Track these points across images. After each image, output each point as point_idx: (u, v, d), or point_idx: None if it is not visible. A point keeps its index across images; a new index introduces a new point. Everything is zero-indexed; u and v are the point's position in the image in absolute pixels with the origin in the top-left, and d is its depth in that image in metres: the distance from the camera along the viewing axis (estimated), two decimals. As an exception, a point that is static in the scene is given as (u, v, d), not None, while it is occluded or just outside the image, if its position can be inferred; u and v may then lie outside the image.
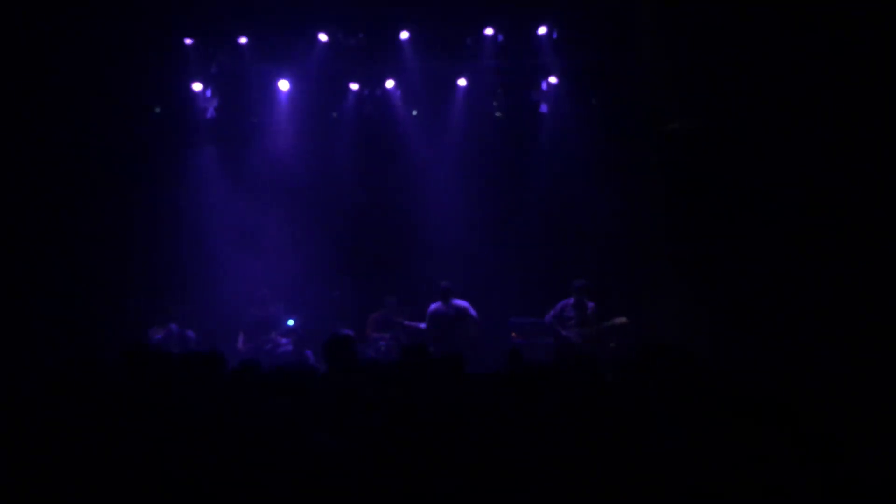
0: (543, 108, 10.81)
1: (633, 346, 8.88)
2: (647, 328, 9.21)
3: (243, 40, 10.52)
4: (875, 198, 8.09)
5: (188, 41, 10.48)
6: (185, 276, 10.35)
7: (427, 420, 3.72)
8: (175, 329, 9.30)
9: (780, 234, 8.43)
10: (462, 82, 10.86)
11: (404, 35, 10.47)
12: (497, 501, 3.26)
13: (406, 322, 9.77)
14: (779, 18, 8.37)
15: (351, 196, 11.23)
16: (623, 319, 9.28)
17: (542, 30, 10.42)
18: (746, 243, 8.66)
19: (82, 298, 9.70)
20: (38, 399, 3.96)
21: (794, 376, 4.15)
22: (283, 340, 9.61)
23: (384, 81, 10.89)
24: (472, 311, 9.54)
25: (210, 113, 10.76)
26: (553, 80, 10.65)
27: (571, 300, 9.47)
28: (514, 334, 9.88)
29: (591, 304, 9.43)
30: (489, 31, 10.46)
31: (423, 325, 9.62)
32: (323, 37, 10.45)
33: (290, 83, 10.83)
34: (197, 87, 10.69)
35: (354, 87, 10.97)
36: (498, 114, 11.12)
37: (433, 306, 9.52)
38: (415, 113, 11.10)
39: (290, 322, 9.95)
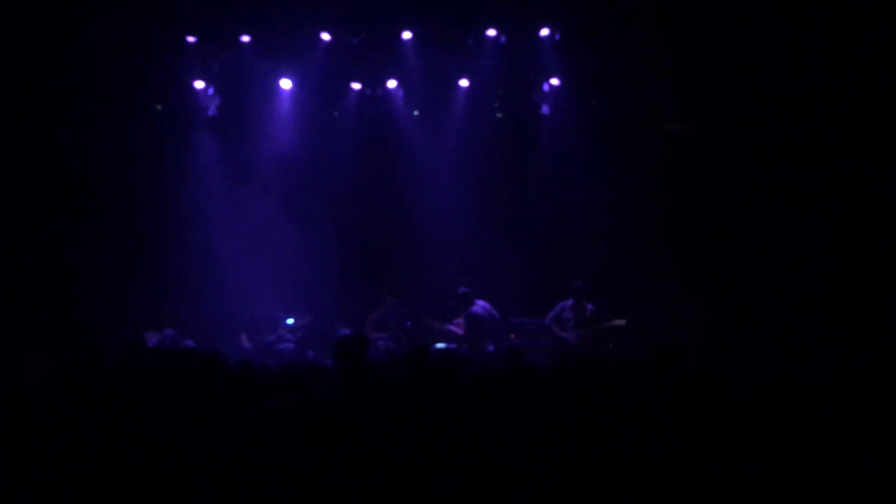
0: (545, 109, 10.83)
1: (633, 348, 8.91)
2: (645, 330, 9.22)
3: (245, 38, 10.52)
4: (872, 195, 8.13)
5: (190, 39, 10.48)
6: (186, 275, 10.33)
7: (436, 421, 3.73)
8: (170, 334, 9.29)
9: (778, 233, 8.46)
10: (464, 83, 10.87)
11: (407, 35, 10.48)
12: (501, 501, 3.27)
13: (429, 322, 9.69)
14: (777, 19, 8.40)
15: (351, 196, 11.22)
16: (622, 321, 9.30)
17: (545, 31, 10.43)
18: (746, 244, 8.68)
19: (81, 298, 9.68)
20: (37, 399, 3.96)
21: (794, 376, 4.17)
22: (288, 336, 9.62)
23: (386, 81, 10.90)
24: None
25: (212, 111, 10.78)
26: (555, 81, 10.67)
27: (570, 302, 9.49)
28: (512, 335, 9.89)
29: (589, 306, 9.45)
30: (491, 33, 10.47)
31: (452, 328, 9.55)
32: (325, 36, 10.46)
33: (292, 82, 10.83)
34: (199, 84, 10.69)
35: (356, 86, 10.99)
36: (499, 115, 11.15)
37: (476, 309, 9.45)
38: (416, 113, 11.13)
39: (290, 321, 9.96)
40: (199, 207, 10.58)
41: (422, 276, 10.67)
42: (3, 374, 6.23)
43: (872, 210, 8.02)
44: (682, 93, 9.19)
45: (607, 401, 4.22)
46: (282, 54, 10.59)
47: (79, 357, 4.70)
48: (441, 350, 9.20)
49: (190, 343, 9.35)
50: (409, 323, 9.92)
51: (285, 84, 10.84)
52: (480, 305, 9.48)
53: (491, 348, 9.29)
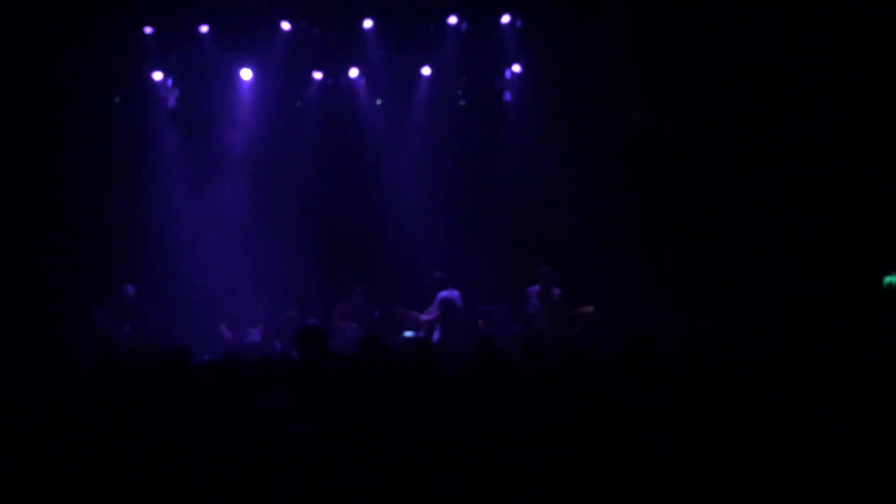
0: (507, 96, 10.86)
1: (599, 334, 9.01)
2: (613, 316, 9.33)
3: (204, 29, 10.40)
4: (843, 184, 8.32)
5: (148, 30, 10.33)
6: (150, 267, 10.20)
7: (403, 408, 3.76)
8: (132, 292, 9.23)
9: (744, 220, 8.62)
10: (426, 71, 10.86)
11: (368, 24, 10.43)
12: (470, 484, 3.31)
13: (400, 310, 9.60)
14: (745, 12, 8.52)
15: (315, 186, 11.16)
16: (590, 309, 9.38)
17: (506, 18, 10.45)
18: (711, 230, 8.84)
19: (48, 297, 9.54)
20: (15, 401, 3.94)
21: (764, 360, 4.27)
22: (253, 331, 9.57)
23: (348, 70, 10.85)
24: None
25: (171, 103, 10.64)
26: (517, 68, 10.70)
27: (537, 287, 9.55)
28: (480, 321, 9.93)
29: (556, 291, 9.52)
30: (453, 20, 10.47)
31: (420, 315, 9.47)
32: (286, 25, 10.37)
33: (253, 72, 10.73)
34: (157, 76, 10.54)
35: (318, 75, 10.92)
36: (462, 102, 11.15)
37: (445, 294, 9.36)
38: (379, 102, 11.09)
39: (261, 311, 9.90)
40: (161, 200, 10.45)
41: (388, 265, 10.67)
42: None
43: (841, 196, 8.21)
44: (644, 83, 9.29)
45: (576, 389, 4.29)
46: (242, 45, 10.48)
47: (51, 356, 4.67)
48: (410, 339, 9.21)
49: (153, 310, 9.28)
50: (376, 312, 9.92)
51: (246, 74, 10.73)
52: (454, 293, 9.48)
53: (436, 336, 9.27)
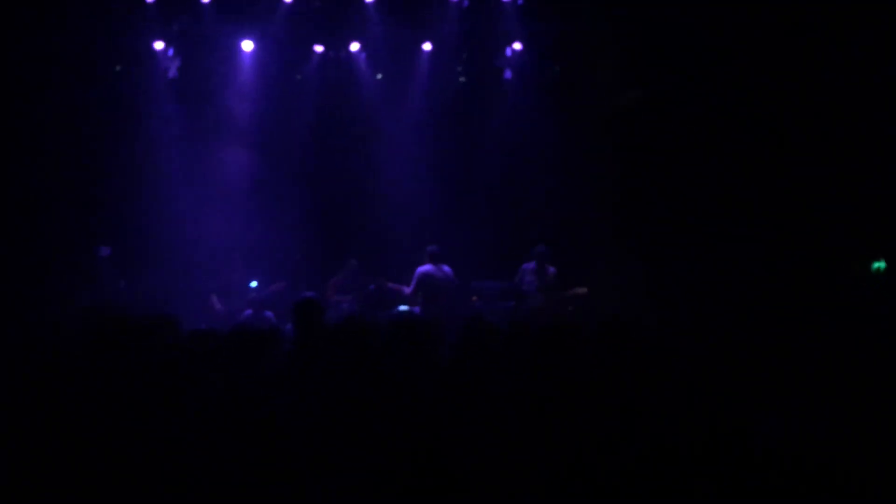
0: (507, 74, 10.89)
1: (589, 313, 9.10)
2: (602, 295, 9.41)
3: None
4: (833, 168, 8.37)
5: (149, 0, 10.33)
6: (145, 237, 10.27)
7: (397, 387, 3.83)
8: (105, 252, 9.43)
9: (730, 202, 8.69)
10: (427, 47, 10.86)
11: (370, -2, 10.44)
12: (456, 466, 3.36)
13: (390, 284, 9.62)
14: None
15: (314, 159, 11.21)
16: (583, 290, 9.46)
17: (508, -4, 10.45)
18: (700, 212, 8.90)
19: (41, 263, 9.61)
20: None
21: (740, 346, 4.35)
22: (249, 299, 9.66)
23: (349, 44, 10.85)
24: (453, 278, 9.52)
25: (172, 73, 10.65)
26: (517, 46, 10.70)
27: (532, 265, 9.63)
28: (474, 298, 10.02)
29: (551, 269, 9.60)
30: (454, -4, 10.47)
31: (405, 289, 9.42)
32: (287, -3, 10.37)
33: (254, 44, 10.74)
34: (159, 46, 10.55)
35: (319, 49, 10.92)
36: (462, 79, 11.18)
37: (424, 268, 9.26)
38: (379, 76, 11.10)
39: (253, 284, 9.98)
40: (161, 170, 10.50)
41: (384, 239, 10.74)
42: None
43: (822, 179, 8.26)
44: (637, 64, 9.32)
45: (564, 366, 4.35)
46: (243, 16, 10.48)
47: (42, 324, 4.71)
48: (400, 313, 9.26)
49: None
50: (371, 286, 9.99)
51: (247, 46, 10.74)
52: (442, 269, 9.47)
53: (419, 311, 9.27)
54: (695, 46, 8.86)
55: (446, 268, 9.44)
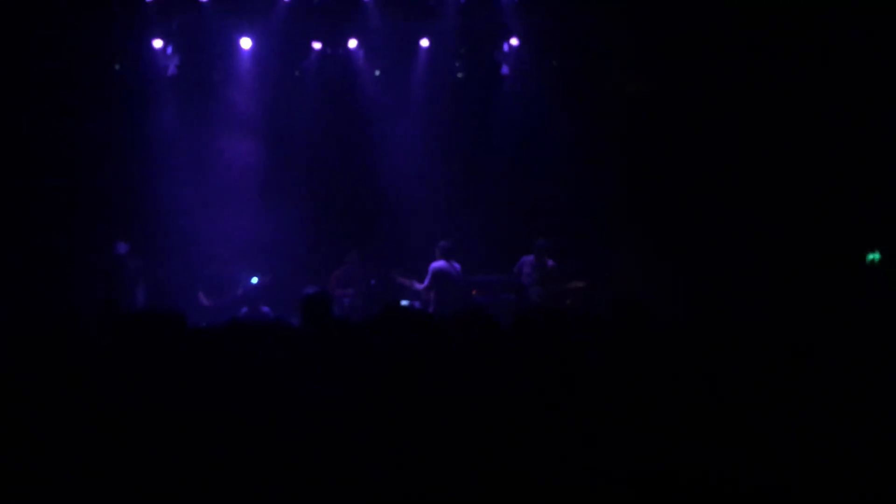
0: (505, 69, 10.95)
1: (591, 304, 9.18)
2: (604, 286, 9.49)
3: (204, -4, 10.43)
4: (827, 155, 8.46)
5: (148, -3, 10.36)
6: (145, 234, 10.32)
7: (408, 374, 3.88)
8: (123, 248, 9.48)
9: (737, 191, 8.77)
10: (424, 43, 10.91)
11: (367, -6, 10.48)
12: (466, 453, 3.41)
13: (400, 279, 9.65)
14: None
15: (313, 155, 11.26)
16: (580, 283, 9.55)
17: (505, -9, 10.50)
18: (705, 202, 8.98)
19: (41, 256, 9.67)
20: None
21: (744, 336, 4.42)
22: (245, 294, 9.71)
23: (347, 41, 10.90)
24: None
25: (171, 70, 10.69)
26: (514, 41, 10.77)
27: (531, 258, 9.70)
28: (474, 291, 10.08)
29: (550, 262, 9.68)
30: (452, -8, 10.51)
31: (417, 284, 9.49)
32: (286, -6, 10.41)
33: (253, 41, 10.78)
34: (157, 44, 10.58)
35: (317, 46, 10.97)
36: (460, 74, 11.23)
37: (438, 264, 9.32)
38: (378, 73, 11.16)
39: (254, 280, 10.02)
40: (160, 167, 10.53)
41: (384, 234, 10.81)
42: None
43: (825, 167, 8.34)
44: (642, 55, 9.38)
45: (567, 357, 4.43)
46: (242, 13, 10.52)
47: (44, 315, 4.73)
48: (406, 307, 9.32)
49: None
50: (373, 280, 10.04)
51: (245, 43, 10.78)
52: (453, 265, 9.50)
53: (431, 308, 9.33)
54: (695, 36, 8.92)
55: (456, 264, 9.52)
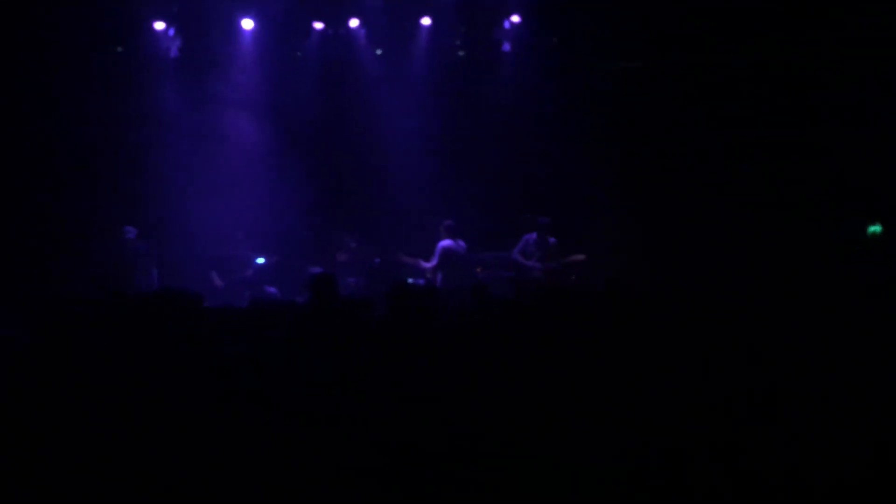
0: (506, 46, 10.96)
1: (590, 279, 9.28)
2: (601, 261, 9.58)
3: (205, -22, 10.44)
4: (833, 131, 8.50)
5: (149, -21, 10.38)
6: (149, 216, 10.39)
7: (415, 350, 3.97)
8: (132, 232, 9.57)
9: (728, 168, 8.82)
10: (426, 21, 10.93)
11: (368, -27, 10.48)
12: (471, 430, 3.47)
13: (405, 257, 9.73)
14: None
15: (315, 135, 11.29)
16: (581, 256, 9.66)
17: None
18: (697, 177, 9.04)
19: (45, 242, 9.76)
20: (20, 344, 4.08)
21: (740, 310, 4.50)
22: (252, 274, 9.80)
23: (348, 21, 10.91)
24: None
25: (174, 52, 10.72)
26: (515, 18, 10.77)
27: (534, 235, 9.80)
28: (478, 269, 10.17)
29: (552, 240, 9.77)
30: (452, -30, 10.51)
31: (423, 263, 9.59)
32: (286, -25, 10.42)
33: (254, 22, 10.80)
34: (159, 26, 10.61)
35: (319, 26, 10.99)
36: (461, 52, 11.24)
37: (445, 243, 9.43)
38: (379, 52, 11.18)
39: (260, 260, 10.11)
40: (163, 150, 10.60)
41: (384, 212, 10.88)
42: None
43: (816, 146, 8.39)
44: (636, 33, 9.40)
45: (568, 328, 4.52)
46: (243, -6, 10.55)
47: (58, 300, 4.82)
48: (414, 285, 9.40)
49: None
50: (377, 260, 10.12)
51: (247, 24, 10.80)
52: (460, 243, 9.58)
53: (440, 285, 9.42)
54: (694, 16, 8.93)
55: (462, 242, 9.62)
